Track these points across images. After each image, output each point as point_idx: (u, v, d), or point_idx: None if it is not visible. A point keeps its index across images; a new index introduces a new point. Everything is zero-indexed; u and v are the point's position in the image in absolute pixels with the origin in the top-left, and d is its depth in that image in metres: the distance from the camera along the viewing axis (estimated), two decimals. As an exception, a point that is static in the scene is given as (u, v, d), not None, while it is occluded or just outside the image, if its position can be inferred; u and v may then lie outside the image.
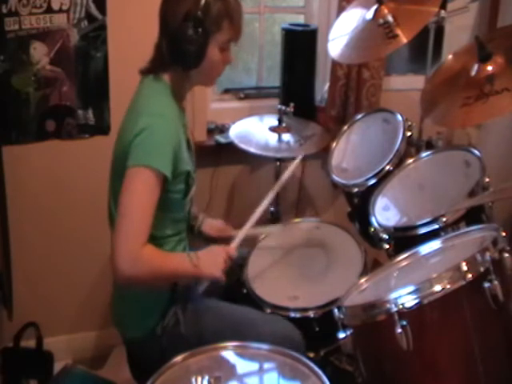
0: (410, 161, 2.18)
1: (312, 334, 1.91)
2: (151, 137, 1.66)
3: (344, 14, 2.48)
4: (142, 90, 1.80)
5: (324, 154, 2.48)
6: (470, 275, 1.45)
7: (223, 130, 2.76)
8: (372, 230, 2.04)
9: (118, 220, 1.64)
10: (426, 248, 1.75)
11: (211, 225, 2.11)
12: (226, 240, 2.05)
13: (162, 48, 1.75)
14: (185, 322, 1.83)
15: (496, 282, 1.44)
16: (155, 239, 1.71)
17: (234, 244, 1.88)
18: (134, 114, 1.74)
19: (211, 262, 1.78)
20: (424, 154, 2.20)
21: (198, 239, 2.11)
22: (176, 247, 1.87)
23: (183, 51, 1.71)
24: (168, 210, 1.75)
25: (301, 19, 2.98)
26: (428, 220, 1.87)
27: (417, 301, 1.45)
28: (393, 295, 1.49)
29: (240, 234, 1.92)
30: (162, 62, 1.77)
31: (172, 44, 1.72)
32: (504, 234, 1.53)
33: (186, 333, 1.82)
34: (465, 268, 1.45)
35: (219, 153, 2.71)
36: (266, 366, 1.55)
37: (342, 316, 1.63)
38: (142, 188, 1.64)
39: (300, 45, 2.79)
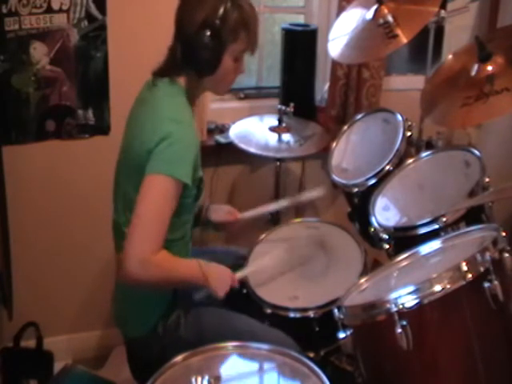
0: (410, 161, 2.18)
1: (312, 334, 1.91)
2: (174, 145, 1.65)
3: (344, 14, 2.48)
4: (156, 92, 1.78)
5: (324, 153, 2.48)
6: (469, 275, 1.45)
7: (223, 130, 2.76)
8: (372, 230, 2.04)
9: (133, 225, 1.64)
10: (426, 248, 1.75)
11: (218, 210, 2.11)
12: (232, 224, 2.10)
13: (176, 52, 1.75)
14: (186, 326, 1.84)
15: (496, 282, 1.44)
16: (165, 242, 1.71)
17: (239, 275, 1.89)
18: (153, 119, 1.72)
19: (219, 278, 1.80)
20: (424, 154, 2.20)
21: (204, 227, 2.11)
22: (182, 248, 1.87)
23: (198, 58, 1.71)
24: (179, 214, 1.75)
25: (301, 19, 2.98)
26: (428, 220, 1.87)
27: (417, 301, 1.45)
28: (393, 295, 1.49)
29: (248, 268, 1.96)
30: (176, 65, 1.76)
31: (187, 50, 1.72)
32: (504, 233, 1.53)
33: (186, 336, 1.82)
34: (465, 268, 1.45)
35: (219, 153, 2.71)
36: (266, 366, 1.55)
37: (341, 316, 1.63)
38: (161, 196, 1.65)
39: (300, 45, 2.79)
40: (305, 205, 2.96)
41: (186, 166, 1.67)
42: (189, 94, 1.79)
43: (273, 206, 2.00)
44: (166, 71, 1.79)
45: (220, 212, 2.10)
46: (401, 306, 1.46)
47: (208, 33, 1.68)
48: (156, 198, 1.65)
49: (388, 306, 1.47)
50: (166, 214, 1.65)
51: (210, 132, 2.76)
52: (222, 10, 1.68)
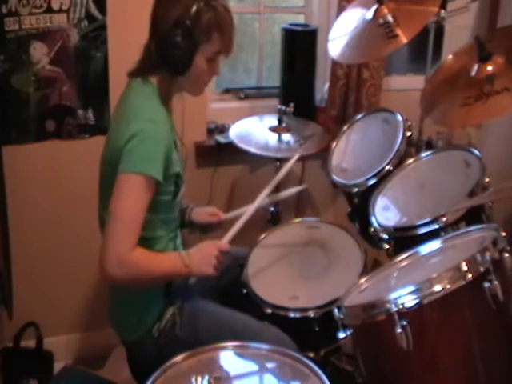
0: (410, 161, 2.18)
1: (312, 333, 1.91)
2: (143, 142, 1.66)
3: (344, 14, 2.49)
4: (130, 93, 1.79)
5: (324, 153, 2.48)
6: (469, 275, 1.45)
7: (223, 130, 2.76)
8: (372, 230, 2.04)
9: (108, 224, 1.65)
10: (426, 248, 1.75)
11: (201, 212, 2.10)
12: (218, 225, 2.07)
13: (150, 50, 1.76)
14: (181, 325, 1.83)
15: (496, 282, 1.44)
16: (146, 240, 1.72)
17: (226, 238, 1.87)
18: (125, 118, 1.73)
19: (202, 260, 1.78)
20: (424, 154, 2.20)
21: (191, 229, 2.10)
22: (168, 245, 1.86)
23: (170, 56, 1.72)
24: (158, 211, 1.76)
25: (301, 19, 2.98)
26: (428, 220, 1.87)
27: (417, 301, 1.45)
28: (393, 295, 1.49)
29: (233, 229, 1.90)
30: (150, 63, 1.77)
31: (160, 48, 1.73)
32: (504, 233, 1.53)
33: (183, 335, 1.82)
34: (465, 268, 1.45)
35: (219, 153, 2.71)
36: (266, 366, 1.55)
37: (341, 316, 1.63)
38: (133, 194, 1.65)
39: (300, 45, 2.79)
40: (305, 205, 2.97)
41: (156, 163, 1.67)
42: (162, 94, 1.79)
43: (254, 206, 1.97)
44: (140, 70, 1.79)
45: (203, 214, 2.09)
46: (401, 306, 1.46)
47: (180, 32, 1.68)
48: (128, 197, 1.65)
49: (388, 305, 1.47)
50: (139, 211, 1.65)
51: (210, 132, 2.76)
52: (194, 10, 1.68)
